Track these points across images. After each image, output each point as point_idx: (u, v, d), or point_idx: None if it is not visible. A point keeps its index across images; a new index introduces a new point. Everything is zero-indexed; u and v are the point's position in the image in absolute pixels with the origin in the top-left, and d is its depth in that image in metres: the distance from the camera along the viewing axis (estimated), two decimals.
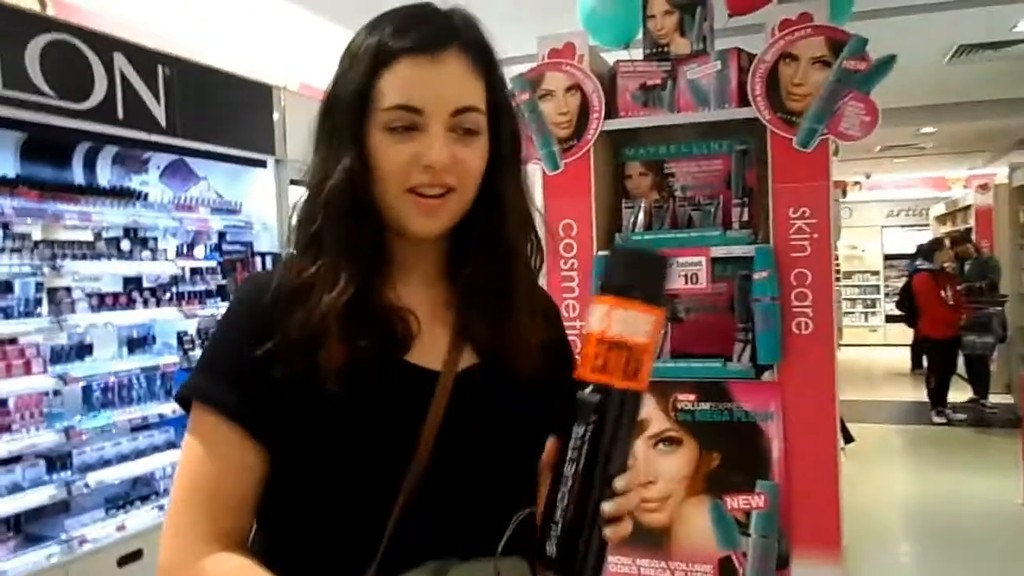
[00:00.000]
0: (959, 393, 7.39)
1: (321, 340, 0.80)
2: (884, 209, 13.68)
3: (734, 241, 2.50)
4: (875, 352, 11.68)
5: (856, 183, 12.43)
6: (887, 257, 13.50)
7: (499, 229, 0.90)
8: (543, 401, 0.93)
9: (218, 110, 3.76)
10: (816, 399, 2.33)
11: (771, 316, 2.38)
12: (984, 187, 9.40)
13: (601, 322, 0.73)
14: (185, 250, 3.90)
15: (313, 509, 0.83)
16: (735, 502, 2.32)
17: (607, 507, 0.74)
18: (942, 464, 5.93)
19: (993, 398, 7.37)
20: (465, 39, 0.84)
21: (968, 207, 9.91)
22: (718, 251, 2.48)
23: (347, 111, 0.83)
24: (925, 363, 8.14)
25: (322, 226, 0.84)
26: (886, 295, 12.99)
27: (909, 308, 7.65)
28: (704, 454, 2.39)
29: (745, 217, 2.59)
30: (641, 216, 2.72)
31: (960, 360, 7.35)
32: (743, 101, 2.53)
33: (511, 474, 0.90)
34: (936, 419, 7.03)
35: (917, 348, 9.55)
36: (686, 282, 2.49)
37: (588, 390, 0.73)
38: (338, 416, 0.81)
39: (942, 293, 6.99)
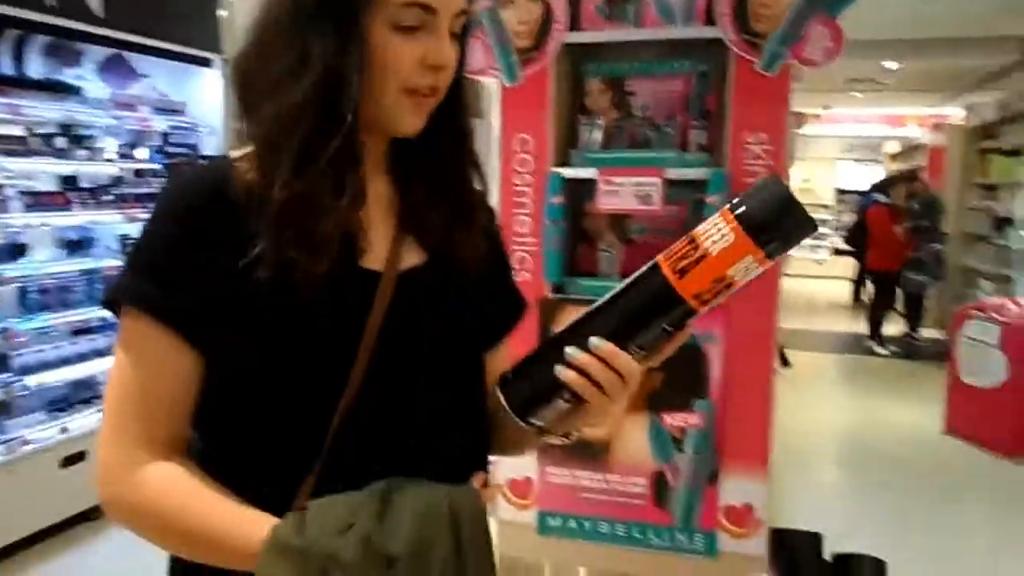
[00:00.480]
0: (894, 327, 7.67)
1: (319, 253, 0.77)
2: (839, 144, 13.81)
3: (690, 163, 2.48)
4: (818, 284, 12.00)
5: (815, 115, 12.47)
6: (839, 192, 13.70)
7: (462, 130, 0.89)
8: (487, 302, 0.93)
9: (160, 3, 3.55)
10: (757, 323, 2.37)
11: None
12: (938, 126, 9.53)
13: (747, 273, 0.74)
14: (127, 151, 3.75)
15: (251, 415, 0.81)
16: (673, 420, 2.39)
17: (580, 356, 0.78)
18: (872, 392, 6.21)
19: (925, 332, 7.68)
20: None
21: (922, 146, 10.06)
22: (673, 173, 2.46)
23: (343, 1, 0.76)
24: (867, 296, 8.41)
25: (311, 131, 0.77)
26: (835, 229, 13.26)
27: (859, 241, 7.84)
28: (648, 373, 2.43)
29: (703, 140, 2.56)
30: (599, 134, 2.67)
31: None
32: (709, 20, 2.47)
33: (458, 380, 0.90)
34: (878, 349, 7.30)
35: (860, 281, 9.85)
36: (640, 203, 2.47)
37: (687, 311, 0.77)
38: (277, 319, 0.79)
39: (895, 228, 7.18)
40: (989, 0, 6.11)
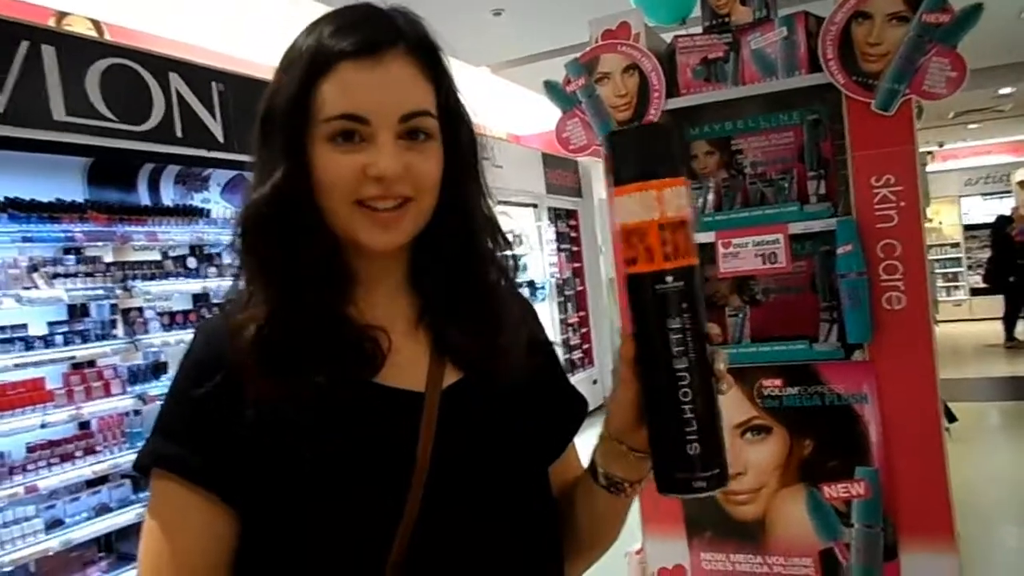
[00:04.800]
0: None
1: (247, 374, 0.72)
2: (961, 178, 13.03)
3: (813, 215, 2.35)
4: (962, 327, 11.12)
5: (929, 153, 11.89)
6: (967, 227, 12.86)
7: (464, 235, 0.82)
8: (538, 407, 0.85)
9: None
10: (914, 377, 2.17)
11: (859, 292, 2.22)
12: None
13: (652, 209, 0.68)
14: None
15: (295, 568, 0.74)
16: (833, 491, 2.18)
17: (720, 366, 0.70)
18: None
19: None
20: (410, 40, 0.76)
21: None
22: (796, 227, 2.33)
23: (284, 122, 0.75)
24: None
25: (263, 250, 0.76)
26: (968, 267, 12.38)
27: (1001, 276, 7.23)
28: (796, 441, 2.25)
29: (822, 190, 2.43)
30: (711, 196, 2.59)
31: None
32: (813, 67, 2.38)
33: (521, 499, 0.81)
34: None
35: (1011, 319, 9.09)
36: (764, 262, 2.35)
37: (670, 280, 0.68)
38: (316, 457, 0.72)
39: None
40: None
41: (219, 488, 0.74)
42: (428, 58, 0.78)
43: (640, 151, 0.70)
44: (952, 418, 5.26)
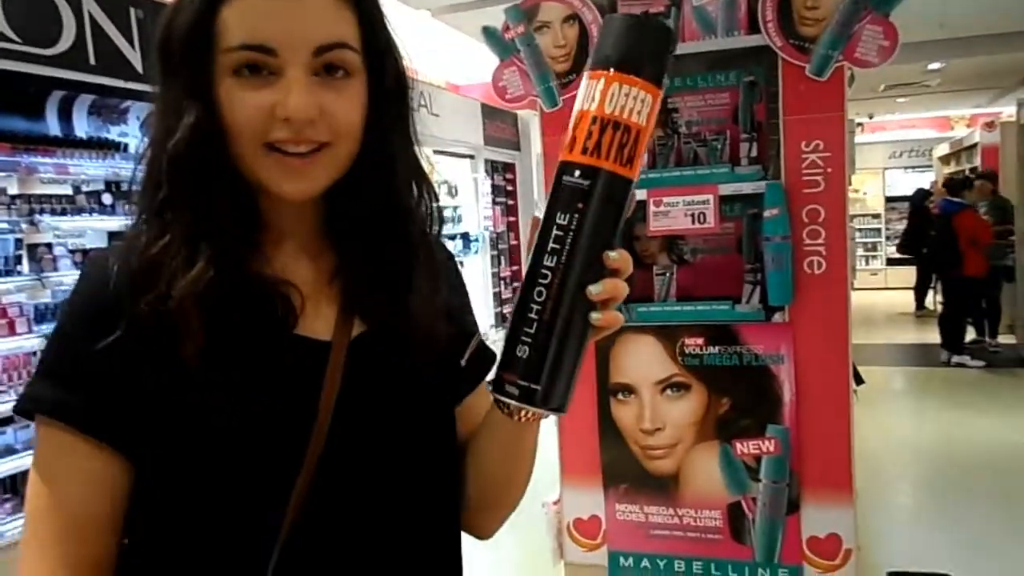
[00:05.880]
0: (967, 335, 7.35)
1: (179, 330, 0.67)
2: (886, 151, 13.48)
3: (743, 177, 2.38)
4: (877, 295, 11.62)
5: (859, 124, 12.23)
6: (888, 199, 13.35)
7: (386, 187, 0.76)
8: (446, 371, 0.81)
9: None
10: (829, 341, 2.24)
11: (782, 256, 2.27)
12: (991, 125, 9.21)
13: (595, 99, 0.63)
14: None
15: (191, 518, 0.71)
16: (745, 447, 2.25)
17: (593, 288, 0.63)
18: (950, 405, 5.91)
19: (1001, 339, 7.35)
20: None
21: (973, 146, 9.73)
22: (726, 188, 2.36)
23: (185, 52, 0.68)
24: (935, 303, 8.08)
25: (170, 192, 0.69)
26: (887, 238, 12.89)
27: (916, 247, 7.54)
28: (713, 399, 2.31)
29: (754, 152, 2.46)
30: (645, 155, 2.59)
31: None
32: (752, 29, 2.38)
33: (421, 446, 0.79)
34: (957, 359, 6.93)
35: (922, 289, 9.53)
36: (693, 222, 2.37)
37: (576, 174, 0.63)
38: (222, 410, 0.69)
39: (982, 232, 6.91)
40: None
41: (110, 437, 0.69)
42: None
43: (615, 38, 0.65)
44: (860, 380, 5.48)
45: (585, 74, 0.65)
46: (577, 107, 0.65)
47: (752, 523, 2.23)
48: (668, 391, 2.34)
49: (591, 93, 0.64)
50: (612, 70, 0.63)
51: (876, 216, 13.32)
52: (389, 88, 0.74)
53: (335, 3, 0.69)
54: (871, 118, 12.40)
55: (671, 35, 0.67)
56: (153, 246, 0.69)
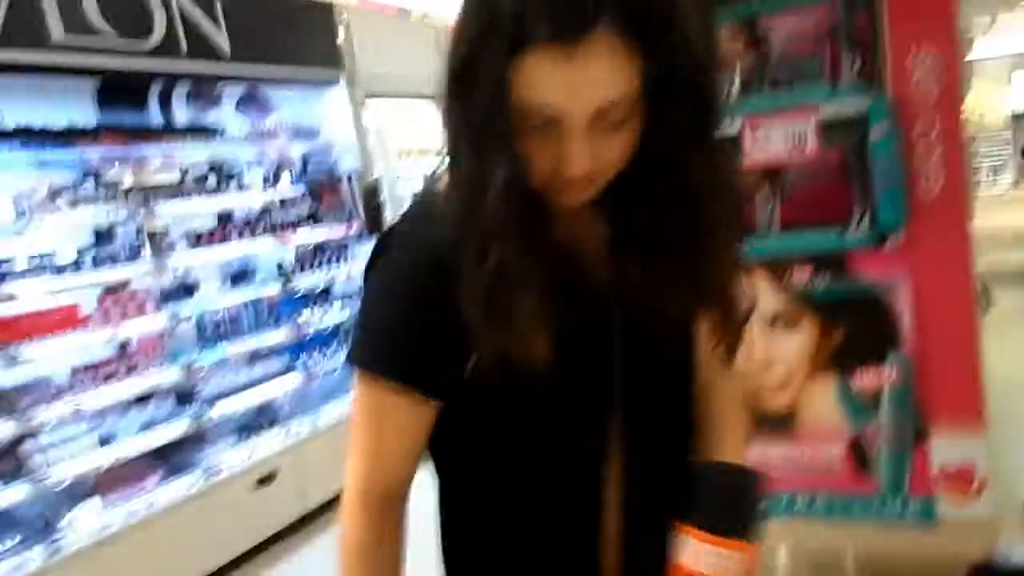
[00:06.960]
0: None
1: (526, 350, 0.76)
2: (1007, 63, 12.30)
3: (845, 94, 2.24)
4: (1001, 217, 10.80)
5: (971, 38, 11.21)
6: (1015, 117, 12.22)
7: (673, 184, 0.78)
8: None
9: (281, 33, 3.68)
10: (950, 264, 2.11)
11: (893, 176, 2.14)
12: None
13: (692, 557, 0.75)
14: (271, 180, 3.92)
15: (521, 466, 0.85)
16: (863, 378, 2.17)
17: None
18: None
19: None
20: (612, 11, 0.66)
21: None
22: (827, 110, 2.23)
23: (489, 100, 0.69)
24: None
25: (497, 240, 0.74)
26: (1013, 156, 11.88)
27: None
28: (826, 331, 2.23)
29: (856, 68, 2.30)
30: (737, 83, 2.47)
31: None
32: None
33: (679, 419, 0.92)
34: None
35: None
36: (793, 147, 2.26)
37: None
38: (542, 387, 0.79)
39: None
40: None
41: (425, 387, 0.82)
42: (636, 25, 0.67)
43: (710, 498, 0.77)
44: (988, 302, 5.15)
45: (680, 528, 0.78)
46: (676, 558, 0.77)
47: (876, 455, 2.15)
48: (778, 325, 2.27)
49: (690, 551, 0.76)
50: (703, 531, 0.75)
51: (1002, 133, 12.24)
52: (679, 111, 0.74)
53: (618, 59, 0.68)
54: (993, 22, 11.33)
55: (757, 485, 0.78)
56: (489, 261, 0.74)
